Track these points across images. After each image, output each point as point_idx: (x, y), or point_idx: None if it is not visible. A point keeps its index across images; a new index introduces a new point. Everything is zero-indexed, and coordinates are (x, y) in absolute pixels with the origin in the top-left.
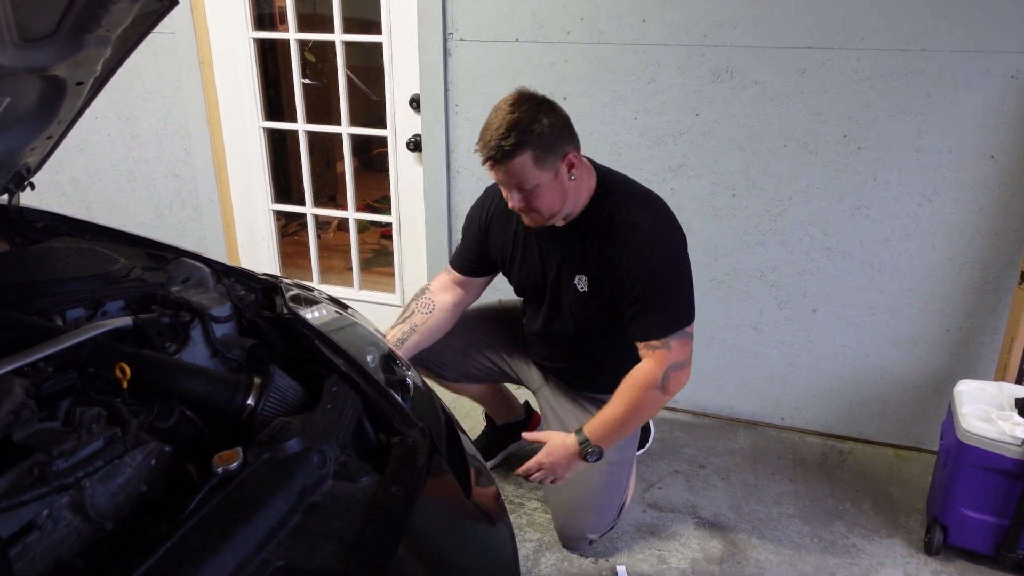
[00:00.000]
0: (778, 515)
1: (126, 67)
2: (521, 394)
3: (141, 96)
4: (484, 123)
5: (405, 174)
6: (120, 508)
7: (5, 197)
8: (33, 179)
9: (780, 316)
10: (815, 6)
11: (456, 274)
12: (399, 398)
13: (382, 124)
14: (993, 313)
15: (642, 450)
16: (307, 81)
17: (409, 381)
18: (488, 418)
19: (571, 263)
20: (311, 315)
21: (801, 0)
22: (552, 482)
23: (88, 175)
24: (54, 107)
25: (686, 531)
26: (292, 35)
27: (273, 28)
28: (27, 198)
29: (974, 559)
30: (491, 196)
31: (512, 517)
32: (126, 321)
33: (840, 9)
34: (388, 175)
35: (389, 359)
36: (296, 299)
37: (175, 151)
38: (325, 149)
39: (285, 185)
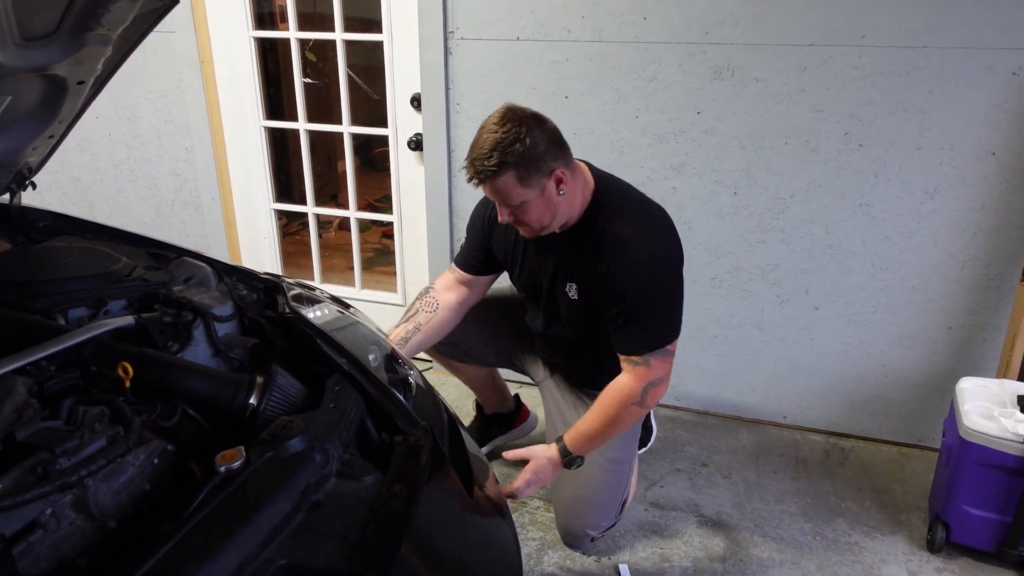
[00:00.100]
0: (780, 513)
1: (127, 66)
2: (524, 395)
3: (142, 95)
4: (472, 140)
5: (406, 173)
6: (123, 507)
7: (7, 196)
8: (35, 178)
9: (782, 314)
10: (816, 3)
11: (460, 272)
12: (401, 397)
13: (383, 123)
14: (995, 310)
15: (644, 449)
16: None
17: (411, 380)
18: (478, 407)
19: (564, 271)
20: (313, 314)
21: None
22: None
23: (90, 174)
24: (55, 106)
25: (688, 529)
26: (293, 34)
27: (274, 27)
28: (29, 197)
29: (976, 556)
30: None
31: (515, 516)
32: (128, 320)
33: (841, 6)
34: (389, 174)
35: (391, 358)
36: (298, 298)
37: (176, 150)
38: (326, 148)
39: (286, 184)
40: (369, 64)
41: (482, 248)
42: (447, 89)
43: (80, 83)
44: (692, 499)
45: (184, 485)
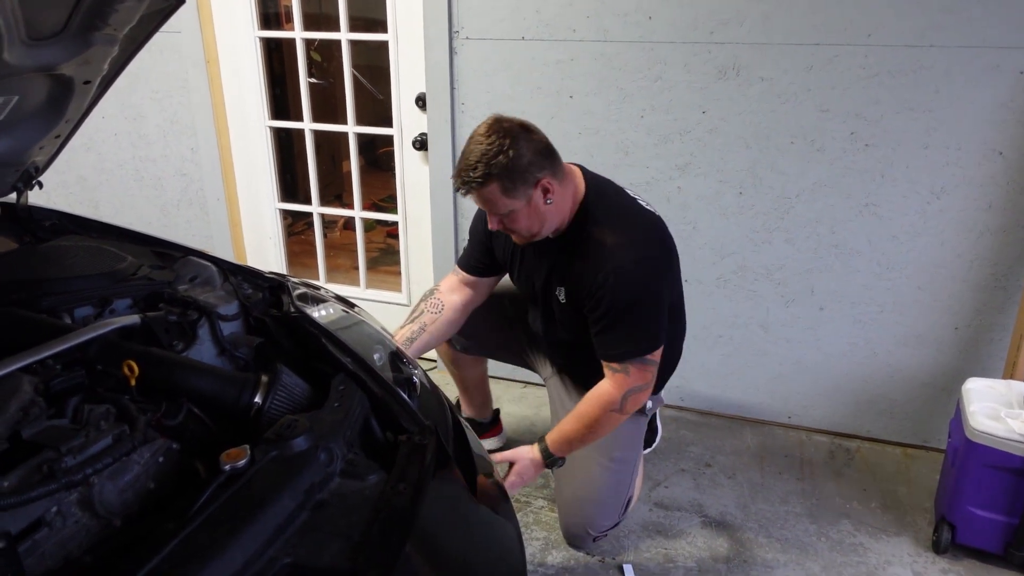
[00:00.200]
0: (785, 514)
1: (133, 66)
2: (520, 394)
3: (148, 95)
4: (462, 150)
5: (411, 173)
6: (128, 505)
7: (14, 196)
8: (41, 178)
9: (787, 314)
10: (822, 2)
11: (464, 274)
12: (406, 396)
13: (388, 123)
14: (1002, 311)
15: (649, 449)
16: (313, 80)
17: (416, 379)
18: (456, 407)
19: (556, 275)
20: (318, 314)
21: None
22: None
23: (96, 174)
24: (62, 106)
25: (692, 530)
26: (298, 34)
27: (279, 27)
28: (35, 197)
29: (982, 558)
30: None
31: (519, 515)
32: (134, 319)
33: (847, 5)
34: (394, 174)
35: (396, 357)
36: (303, 298)
37: (182, 150)
38: (331, 148)
39: (292, 184)
40: (374, 64)
41: (485, 249)
42: (452, 89)
43: (87, 83)
44: (696, 499)
45: (189, 484)
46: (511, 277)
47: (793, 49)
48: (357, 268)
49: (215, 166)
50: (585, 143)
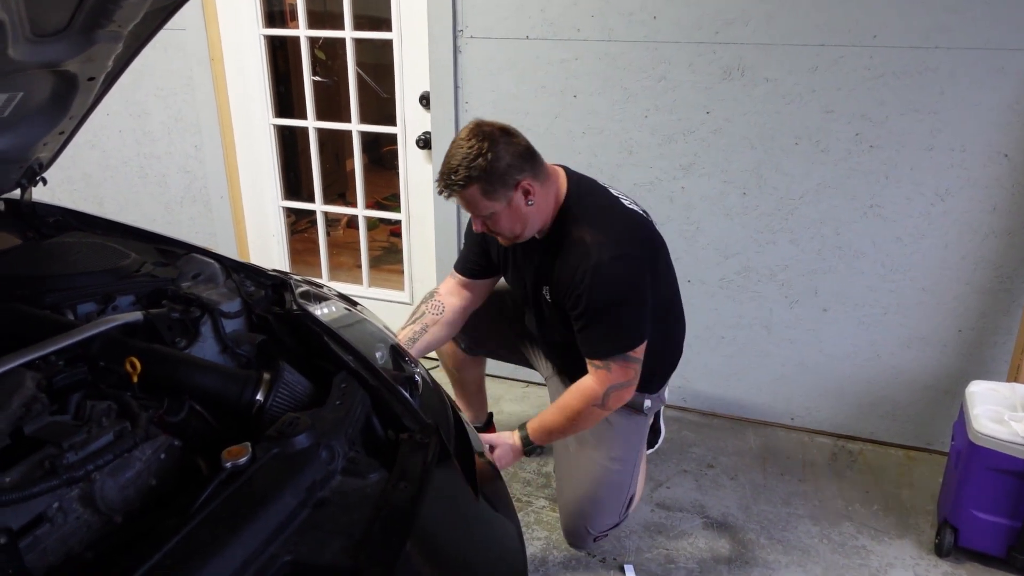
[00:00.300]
0: (787, 515)
1: (138, 63)
2: (522, 393)
3: (152, 93)
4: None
5: (415, 171)
6: (130, 501)
7: (18, 192)
8: (46, 174)
9: (791, 315)
10: (827, 3)
11: (461, 277)
12: (408, 395)
13: (392, 121)
14: (1006, 314)
15: (651, 450)
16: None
17: (418, 378)
18: None
19: (540, 275)
20: (320, 311)
21: None
22: None
23: (100, 171)
24: (66, 102)
25: (694, 531)
26: (302, 32)
27: (284, 25)
28: (40, 193)
29: (985, 561)
30: None
31: (520, 515)
32: (136, 316)
33: (852, 6)
34: (398, 172)
35: (398, 356)
36: (305, 295)
37: (186, 147)
38: (335, 146)
39: (295, 182)
40: (379, 62)
41: (480, 251)
42: (456, 87)
43: (91, 79)
44: (698, 500)
45: (191, 480)
46: (505, 279)
47: (798, 50)
48: (360, 266)
49: (219, 163)
50: (589, 142)
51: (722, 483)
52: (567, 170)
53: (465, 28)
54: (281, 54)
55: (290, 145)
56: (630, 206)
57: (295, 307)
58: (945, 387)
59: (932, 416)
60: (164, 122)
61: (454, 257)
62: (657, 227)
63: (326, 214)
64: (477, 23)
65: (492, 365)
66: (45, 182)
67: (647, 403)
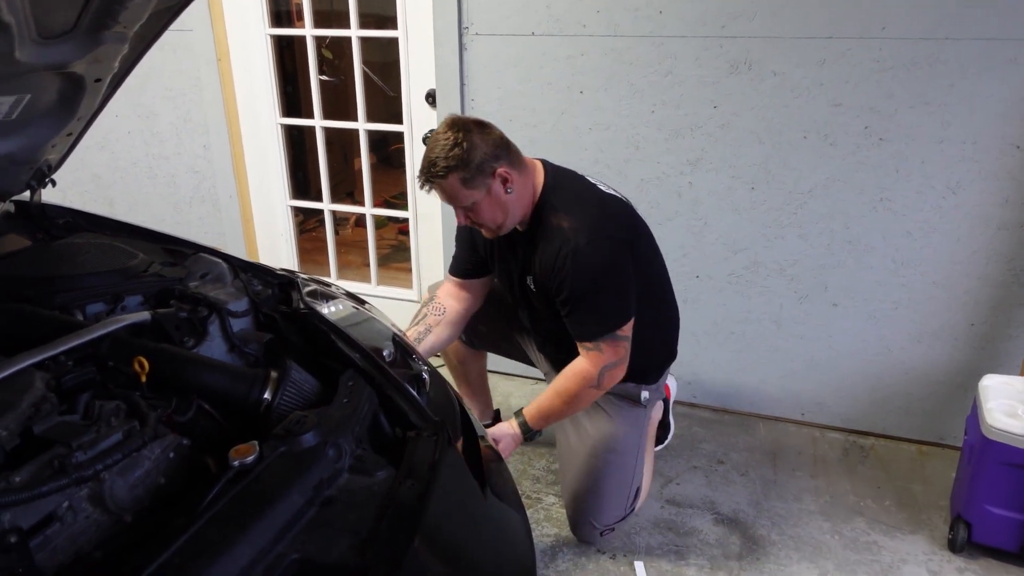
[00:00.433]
0: (798, 511)
1: (145, 65)
2: (532, 391)
3: (160, 93)
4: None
5: None
6: (139, 500)
7: (27, 194)
8: (55, 176)
9: (800, 311)
10: None
11: (456, 279)
12: (415, 392)
13: (399, 120)
14: (1019, 307)
15: (661, 446)
16: (324, 77)
17: (425, 375)
18: None
19: (524, 266)
20: (327, 310)
21: None
22: None
23: (110, 172)
24: (73, 104)
25: (704, 527)
26: (308, 31)
27: (291, 25)
28: (50, 195)
29: (999, 556)
30: None
31: (529, 512)
32: (144, 316)
33: None
34: (405, 171)
35: (405, 354)
36: (313, 294)
37: (194, 148)
38: (343, 145)
39: (304, 181)
40: (385, 61)
41: (471, 249)
42: (462, 85)
43: (97, 81)
44: (708, 497)
45: (200, 479)
46: (495, 276)
47: (805, 43)
48: (368, 265)
49: (227, 163)
50: (595, 139)
51: (732, 479)
52: (545, 162)
53: (471, 25)
54: (288, 54)
55: (298, 144)
56: (609, 191)
57: (302, 306)
58: (957, 381)
59: (945, 411)
60: (172, 123)
61: None
62: (665, 223)
63: (334, 213)
64: (482, 20)
65: (502, 363)
66: (54, 184)
67: (645, 394)
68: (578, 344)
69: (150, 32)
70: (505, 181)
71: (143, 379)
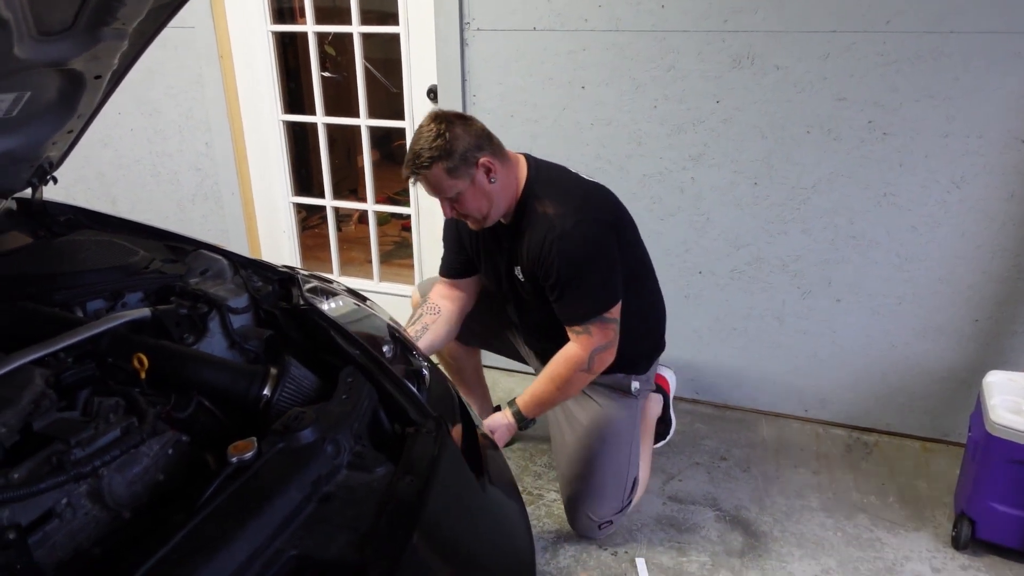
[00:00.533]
0: (801, 508)
1: (148, 62)
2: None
3: (163, 91)
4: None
5: None
6: (138, 497)
7: (29, 191)
8: (57, 173)
9: (803, 306)
10: None
11: (447, 280)
12: (415, 389)
13: (401, 116)
14: None
15: (663, 442)
16: (327, 74)
17: (425, 371)
18: None
19: (511, 257)
20: (327, 306)
21: None
22: None
23: (113, 170)
24: (73, 101)
25: (706, 523)
26: (309, 28)
27: (293, 22)
28: (54, 193)
29: (1003, 554)
30: None
31: (531, 508)
32: (144, 312)
33: None
34: None
35: (406, 350)
36: (314, 291)
37: (197, 145)
38: (347, 142)
39: (307, 178)
40: (388, 57)
41: (458, 248)
42: (463, 81)
43: (97, 77)
44: (710, 493)
45: (199, 475)
46: (482, 273)
47: (808, 37)
48: (371, 261)
49: (229, 160)
50: (597, 134)
51: (735, 476)
52: (528, 156)
53: (472, 20)
54: (291, 51)
55: (302, 141)
56: (590, 180)
57: (302, 302)
58: (962, 377)
59: (949, 407)
60: (175, 120)
61: None
62: (667, 218)
63: (337, 209)
64: (484, 15)
65: (503, 358)
66: (56, 181)
67: (635, 384)
68: (568, 329)
69: (149, 28)
70: (488, 171)
71: (142, 375)
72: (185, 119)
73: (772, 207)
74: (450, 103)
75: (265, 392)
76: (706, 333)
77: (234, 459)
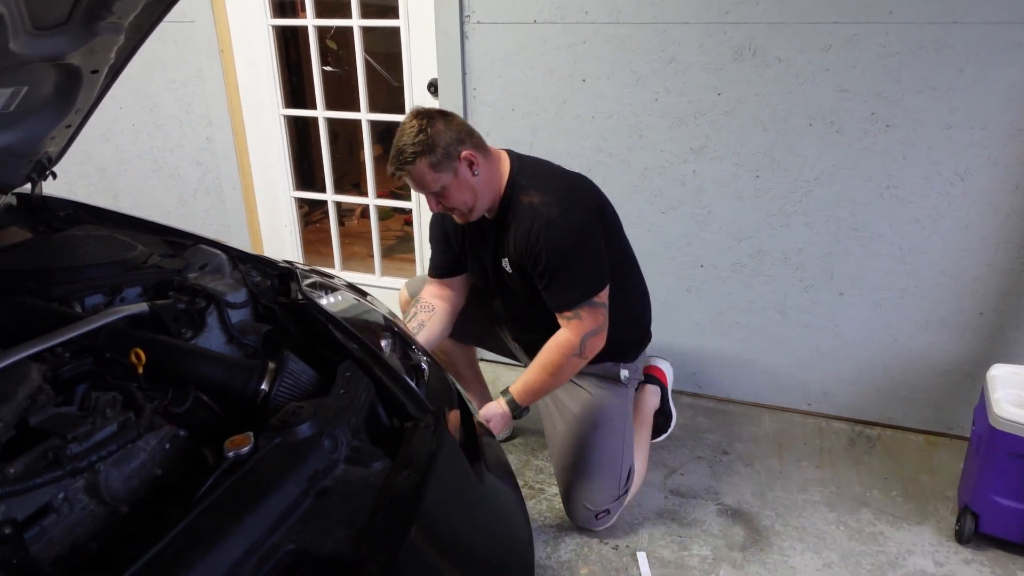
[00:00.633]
0: (803, 502)
1: (148, 56)
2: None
3: (164, 85)
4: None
5: None
6: (135, 491)
7: (28, 186)
8: (56, 168)
9: (805, 299)
10: None
11: (437, 279)
12: (413, 383)
13: (402, 110)
14: None
15: (664, 436)
16: (328, 68)
17: (424, 366)
18: None
19: (497, 249)
20: (326, 301)
21: None
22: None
23: (115, 165)
24: (71, 96)
25: (708, 517)
26: (309, 21)
27: (294, 15)
28: (56, 188)
29: (1006, 547)
30: None
31: (531, 503)
32: (142, 307)
33: None
34: None
35: (405, 344)
36: (313, 286)
37: (198, 140)
38: (349, 137)
39: (309, 173)
40: (389, 51)
41: (445, 246)
42: (464, 74)
43: (94, 72)
44: (712, 487)
45: (197, 470)
46: (468, 269)
47: (810, 28)
48: (373, 256)
49: (230, 155)
50: (598, 127)
51: (737, 469)
52: (510, 152)
53: (472, 13)
54: (293, 45)
55: (304, 136)
56: (572, 171)
57: (300, 297)
58: (965, 371)
59: (952, 400)
60: (176, 115)
61: None
62: (669, 211)
63: (339, 204)
64: (484, 8)
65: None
66: (55, 176)
67: (624, 373)
68: (558, 317)
69: (146, 22)
70: (471, 164)
71: (140, 370)
72: (186, 114)
73: (774, 200)
74: (451, 97)
75: (263, 387)
76: (708, 326)
77: (231, 454)
